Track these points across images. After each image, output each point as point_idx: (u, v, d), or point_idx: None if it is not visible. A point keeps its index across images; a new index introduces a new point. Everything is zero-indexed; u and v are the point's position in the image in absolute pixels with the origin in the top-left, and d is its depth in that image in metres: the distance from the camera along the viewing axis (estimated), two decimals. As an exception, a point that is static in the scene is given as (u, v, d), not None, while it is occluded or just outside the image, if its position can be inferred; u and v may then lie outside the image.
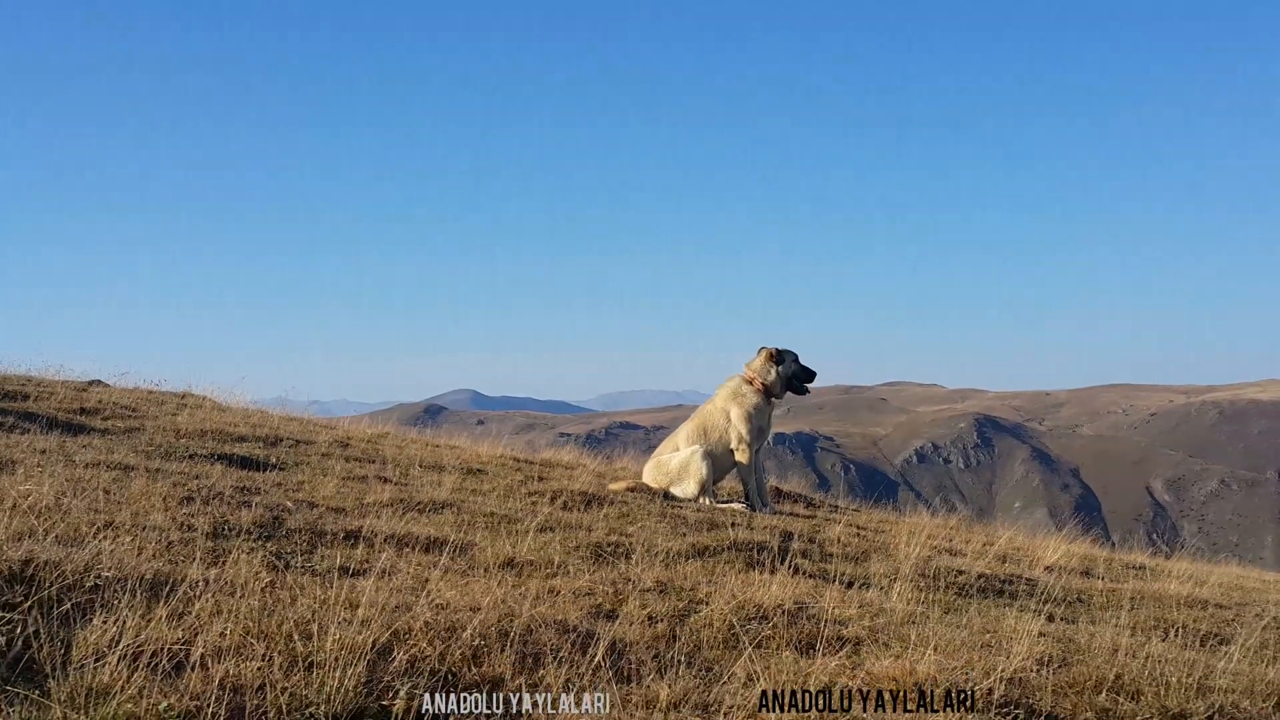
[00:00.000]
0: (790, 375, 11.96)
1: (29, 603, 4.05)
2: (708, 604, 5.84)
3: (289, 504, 7.74)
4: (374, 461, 11.52)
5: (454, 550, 6.82)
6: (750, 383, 11.81)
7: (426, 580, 5.63)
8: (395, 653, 4.11)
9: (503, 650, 4.46)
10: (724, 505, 11.24)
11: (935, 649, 5.03)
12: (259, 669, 3.81)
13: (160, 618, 4.10)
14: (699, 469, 11.39)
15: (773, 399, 11.90)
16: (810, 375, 12.16)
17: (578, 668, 4.40)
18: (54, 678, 3.54)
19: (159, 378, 17.88)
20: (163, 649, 3.83)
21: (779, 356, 11.91)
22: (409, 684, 3.92)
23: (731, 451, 11.65)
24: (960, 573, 7.76)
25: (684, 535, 8.39)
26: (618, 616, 5.58)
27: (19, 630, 3.86)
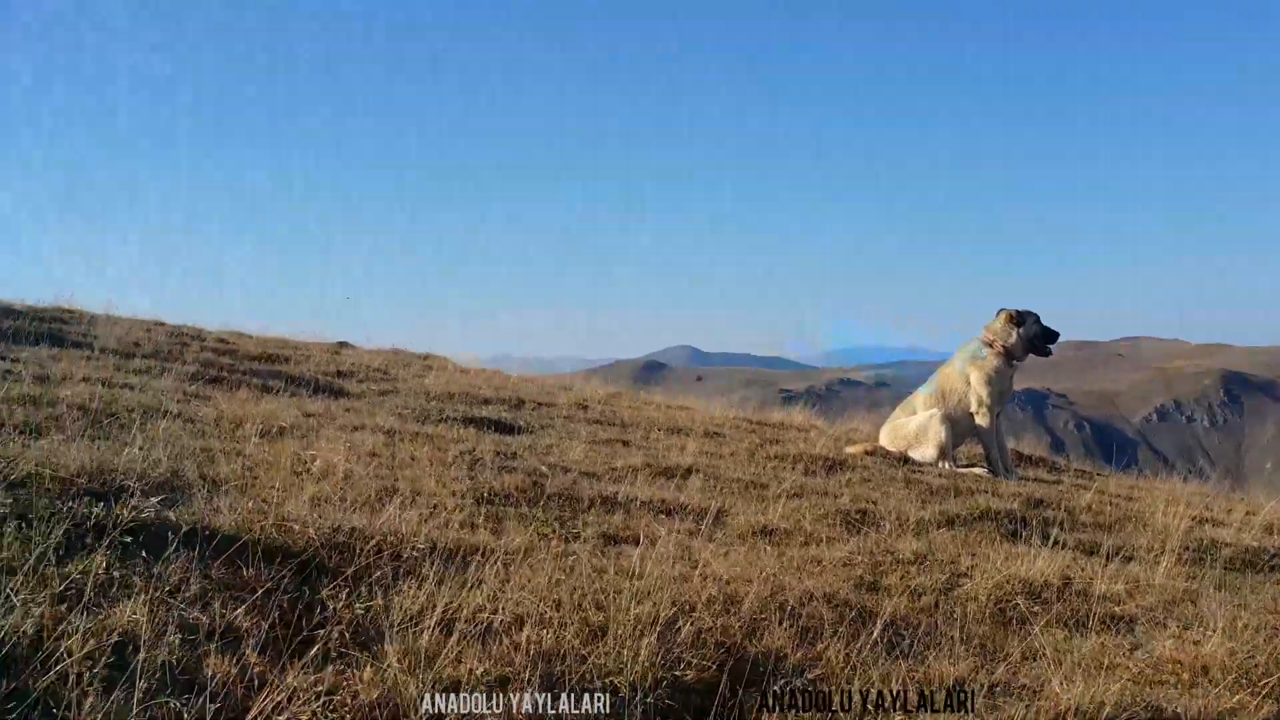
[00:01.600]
0: (1031, 337, 11.68)
1: (351, 569, 4.32)
2: (969, 577, 5.80)
3: (544, 469, 7.98)
4: (614, 424, 11.79)
5: (706, 516, 6.94)
6: (990, 345, 11.58)
7: (689, 549, 5.76)
8: (680, 624, 4.22)
9: (780, 623, 4.54)
10: (964, 470, 11.11)
11: (1219, 631, 4.87)
12: (557, 637, 3.98)
13: (461, 585, 4.32)
14: (938, 433, 11.27)
15: (1014, 361, 11.65)
16: (1053, 336, 11.85)
17: (854, 643, 4.44)
18: (383, 643, 3.76)
19: (395, 339, 18.70)
20: (470, 616, 4.04)
21: (1019, 318, 11.64)
22: (698, 656, 4.03)
23: (971, 415, 11.46)
24: (1226, 545, 7.49)
25: (931, 503, 8.34)
26: (879, 588, 5.60)
27: (343, 596, 4.12)
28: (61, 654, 3.17)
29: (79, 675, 3.08)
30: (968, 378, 11.52)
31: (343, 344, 18.16)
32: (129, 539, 4.21)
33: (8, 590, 3.55)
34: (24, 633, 3.21)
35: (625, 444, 10.10)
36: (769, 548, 6.25)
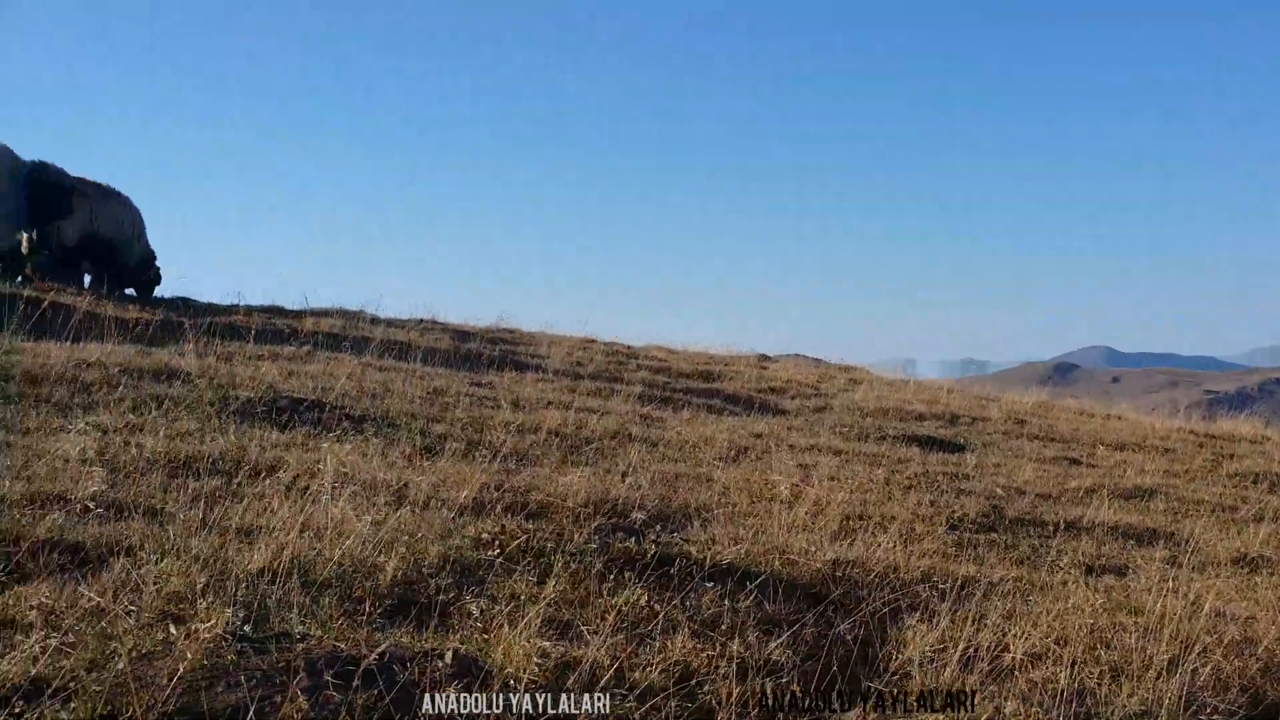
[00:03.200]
0: None
1: (867, 606, 4.52)
2: None
3: (1000, 490, 7.97)
4: (1054, 439, 11.56)
5: (1175, 542, 6.76)
6: None
7: (1172, 579, 5.62)
8: (1197, 665, 4.15)
9: (1301, 668, 4.39)
10: None
11: None
12: (1075, 676, 4.01)
13: (966, 619, 4.43)
14: None
15: None
16: None
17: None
18: (907, 680, 3.94)
19: (784, 345, 19.01)
20: (985, 653, 4.14)
21: None
22: (1222, 700, 3.97)
23: None
24: None
25: None
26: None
27: (860, 631, 4.33)
28: (644, 688, 3.52)
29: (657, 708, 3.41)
30: None
31: (764, 357, 18.61)
32: (655, 570, 4.59)
33: (577, 621, 3.97)
34: (600, 664, 3.58)
35: (1073, 462, 9.91)
36: (1258, 579, 6.01)
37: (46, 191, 14.39)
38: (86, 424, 6.53)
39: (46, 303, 11.30)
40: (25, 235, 15.24)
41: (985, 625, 4.41)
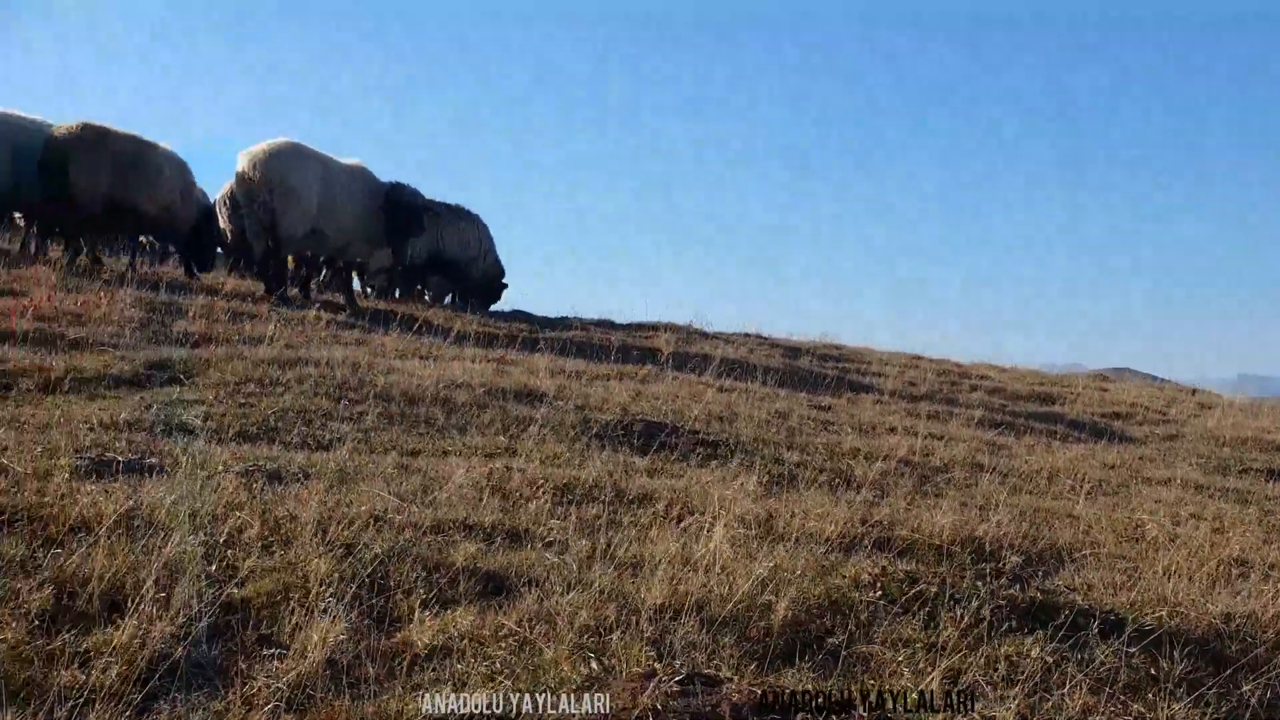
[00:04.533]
0: None
1: (1265, 667, 4.34)
2: None
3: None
4: None
5: None
6: None
7: None
8: None
9: None
10: None
11: None
12: None
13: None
14: None
15: None
16: None
17: None
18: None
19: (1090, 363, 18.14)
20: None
21: None
22: None
23: None
24: None
25: None
26: None
27: (1266, 694, 4.15)
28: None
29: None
30: None
31: (1101, 377, 17.97)
32: (1039, 619, 4.53)
33: (968, 670, 3.97)
34: None
35: None
36: None
37: (401, 211, 15.38)
38: (465, 446, 6.97)
39: (420, 321, 12.10)
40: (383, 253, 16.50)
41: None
